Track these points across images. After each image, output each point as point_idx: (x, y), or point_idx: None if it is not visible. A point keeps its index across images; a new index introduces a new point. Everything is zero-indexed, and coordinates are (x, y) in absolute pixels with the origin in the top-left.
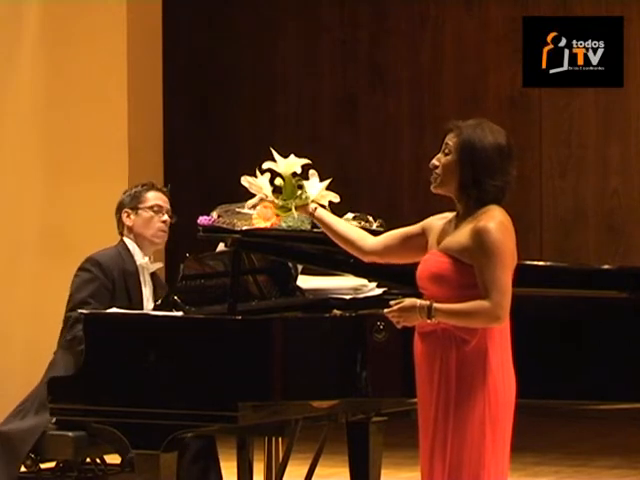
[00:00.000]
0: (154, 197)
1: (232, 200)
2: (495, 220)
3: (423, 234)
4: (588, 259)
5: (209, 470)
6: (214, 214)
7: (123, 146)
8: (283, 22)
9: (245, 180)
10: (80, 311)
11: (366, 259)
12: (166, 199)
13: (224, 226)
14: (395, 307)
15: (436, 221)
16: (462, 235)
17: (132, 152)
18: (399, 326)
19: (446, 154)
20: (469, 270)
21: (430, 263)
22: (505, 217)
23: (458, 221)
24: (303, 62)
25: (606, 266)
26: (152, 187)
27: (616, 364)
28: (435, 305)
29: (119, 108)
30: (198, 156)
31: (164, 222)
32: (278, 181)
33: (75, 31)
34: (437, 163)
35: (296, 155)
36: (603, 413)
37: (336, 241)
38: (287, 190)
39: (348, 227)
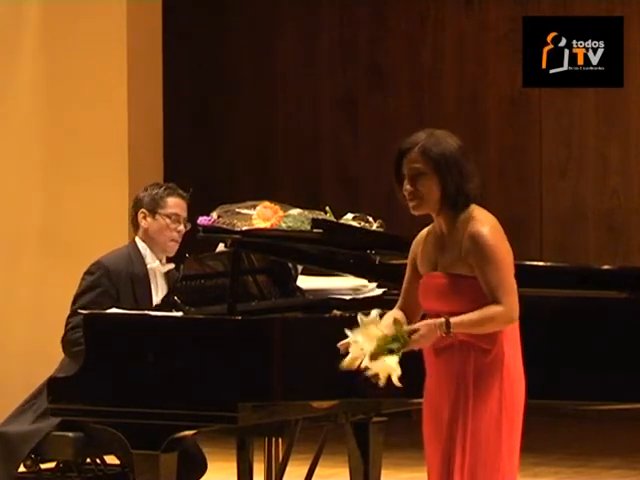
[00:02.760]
0: (174, 204)
1: (232, 200)
2: (486, 222)
3: (416, 266)
4: (588, 259)
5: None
6: (214, 214)
7: (123, 146)
8: (283, 22)
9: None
10: (80, 311)
11: (415, 320)
12: (185, 206)
13: (224, 226)
14: (415, 336)
15: (416, 247)
16: (455, 249)
17: (132, 152)
18: (419, 347)
19: (418, 176)
20: (475, 283)
21: (435, 287)
22: (492, 217)
23: (443, 236)
24: (303, 62)
25: (606, 266)
26: (174, 192)
27: (616, 364)
28: (452, 320)
29: (119, 108)
30: (198, 156)
31: (178, 232)
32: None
33: (75, 31)
34: (412, 188)
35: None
36: (603, 413)
37: None
38: (397, 340)
39: (388, 317)
